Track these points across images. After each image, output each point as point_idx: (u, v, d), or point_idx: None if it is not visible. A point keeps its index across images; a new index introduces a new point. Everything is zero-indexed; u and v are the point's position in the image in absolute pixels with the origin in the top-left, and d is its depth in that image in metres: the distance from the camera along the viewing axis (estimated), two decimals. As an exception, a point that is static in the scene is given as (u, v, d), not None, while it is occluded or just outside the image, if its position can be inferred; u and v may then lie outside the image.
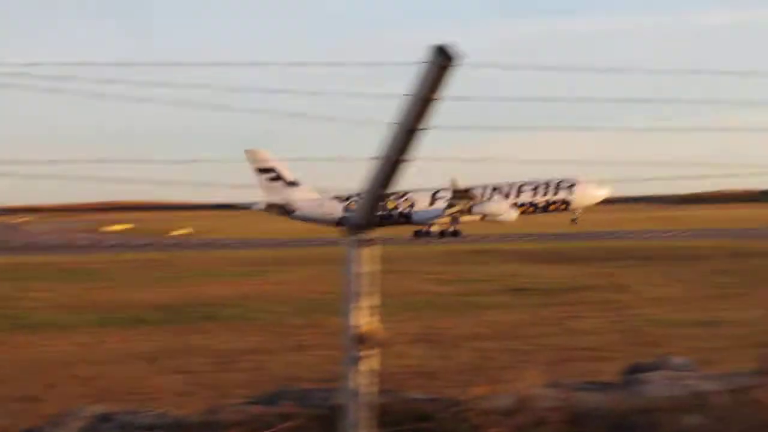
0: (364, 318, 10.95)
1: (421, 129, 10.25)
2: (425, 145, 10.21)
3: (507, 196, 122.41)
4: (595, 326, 35.65)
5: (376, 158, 10.52)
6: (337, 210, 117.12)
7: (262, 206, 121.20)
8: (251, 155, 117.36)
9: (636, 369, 15.74)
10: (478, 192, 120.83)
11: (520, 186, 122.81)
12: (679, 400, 13.00)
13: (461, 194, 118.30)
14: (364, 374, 11.01)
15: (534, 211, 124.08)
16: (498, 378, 14.99)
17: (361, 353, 10.92)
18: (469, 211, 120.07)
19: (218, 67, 13.33)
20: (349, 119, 11.56)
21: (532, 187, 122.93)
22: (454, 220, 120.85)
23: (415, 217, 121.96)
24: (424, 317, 39.96)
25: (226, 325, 38.94)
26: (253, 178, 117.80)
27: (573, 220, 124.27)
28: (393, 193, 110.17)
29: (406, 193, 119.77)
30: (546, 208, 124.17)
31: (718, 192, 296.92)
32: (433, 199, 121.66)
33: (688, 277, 55.65)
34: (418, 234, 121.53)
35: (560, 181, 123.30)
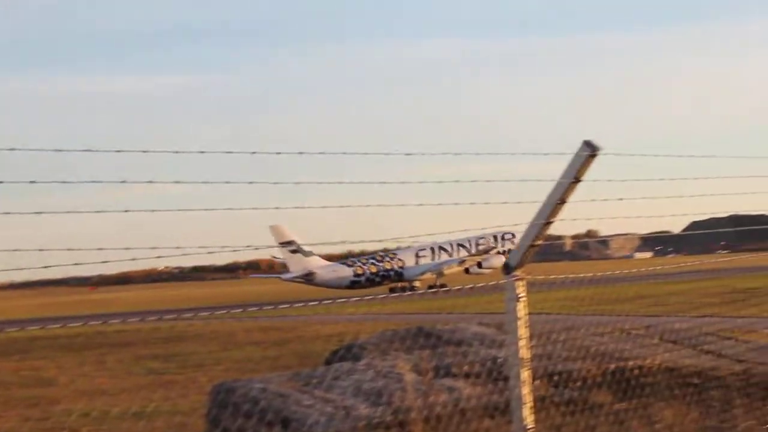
0: None
1: None
2: None
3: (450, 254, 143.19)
4: (16, 428, 34.53)
5: None
6: (347, 273, 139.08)
7: (290, 276, 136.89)
8: (275, 231, 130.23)
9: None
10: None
11: (454, 243, 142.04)
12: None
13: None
14: None
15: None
16: None
17: None
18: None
19: None
20: None
21: (458, 243, 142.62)
22: (440, 274, 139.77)
23: (406, 274, 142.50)
24: None
25: None
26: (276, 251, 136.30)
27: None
28: (386, 255, 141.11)
29: (395, 254, 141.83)
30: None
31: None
32: (417, 257, 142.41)
33: (119, 365, 55.80)
34: (392, 291, 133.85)
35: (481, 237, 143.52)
